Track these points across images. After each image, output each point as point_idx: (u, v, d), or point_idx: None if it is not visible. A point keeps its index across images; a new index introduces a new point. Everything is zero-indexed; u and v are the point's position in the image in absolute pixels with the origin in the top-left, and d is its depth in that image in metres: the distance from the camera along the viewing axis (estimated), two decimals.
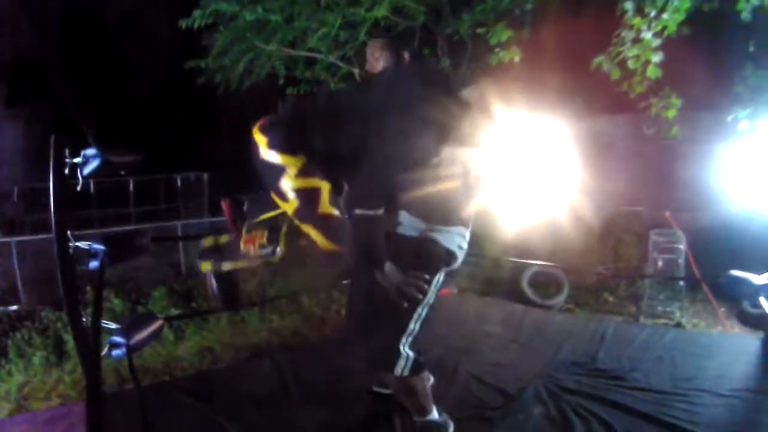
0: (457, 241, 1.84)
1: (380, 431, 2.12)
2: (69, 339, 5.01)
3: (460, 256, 1.86)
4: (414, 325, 1.76)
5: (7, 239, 7.38)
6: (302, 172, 1.64)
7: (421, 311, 1.77)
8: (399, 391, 1.91)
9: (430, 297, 1.78)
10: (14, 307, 5.86)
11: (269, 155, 1.66)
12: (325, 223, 1.63)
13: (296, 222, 1.71)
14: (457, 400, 2.29)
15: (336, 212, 1.63)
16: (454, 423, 1.97)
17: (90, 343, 1.27)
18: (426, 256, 1.77)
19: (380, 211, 1.57)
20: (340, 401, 2.33)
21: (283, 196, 1.66)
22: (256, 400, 2.35)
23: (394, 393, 1.96)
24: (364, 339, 1.80)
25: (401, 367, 1.73)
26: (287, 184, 1.63)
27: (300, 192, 1.63)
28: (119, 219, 10.66)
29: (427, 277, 1.69)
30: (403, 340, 1.74)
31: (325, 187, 1.64)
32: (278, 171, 1.65)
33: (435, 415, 1.94)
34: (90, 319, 2.44)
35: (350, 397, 2.34)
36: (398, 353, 1.73)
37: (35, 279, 6.41)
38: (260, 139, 1.70)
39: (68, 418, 2.28)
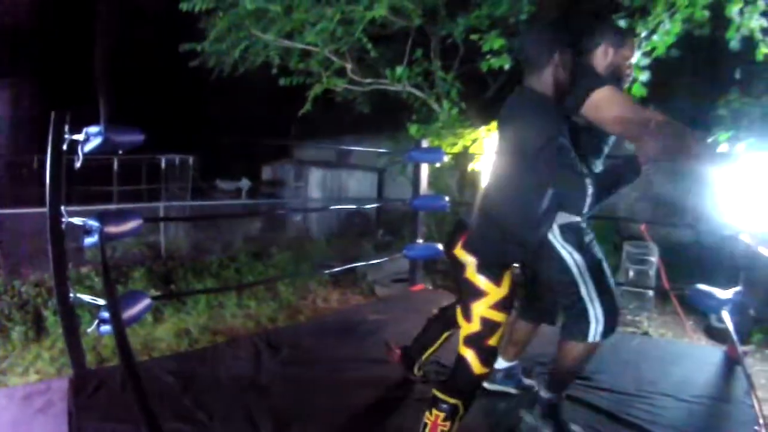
0: None
1: (354, 414, 2.18)
2: (48, 315, 4.96)
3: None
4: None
5: None
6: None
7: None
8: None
9: None
10: None
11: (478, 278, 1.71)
12: None
13: None
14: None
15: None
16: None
17: (112, 313, 1.30)
18: None
19: None
20: (322, 386, 2.38)
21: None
22: (237, 382, 2.39)
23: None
24: None
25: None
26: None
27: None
28: (101, 197, 10.50)
29: None
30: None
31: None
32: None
33: None
34: (74, 295, 2.46)
35: (333, 382, 2.41)
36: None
37: (14, 254, 6.27)
38: (467, 259, 1.73)
39: (47, 394, 2.23)
